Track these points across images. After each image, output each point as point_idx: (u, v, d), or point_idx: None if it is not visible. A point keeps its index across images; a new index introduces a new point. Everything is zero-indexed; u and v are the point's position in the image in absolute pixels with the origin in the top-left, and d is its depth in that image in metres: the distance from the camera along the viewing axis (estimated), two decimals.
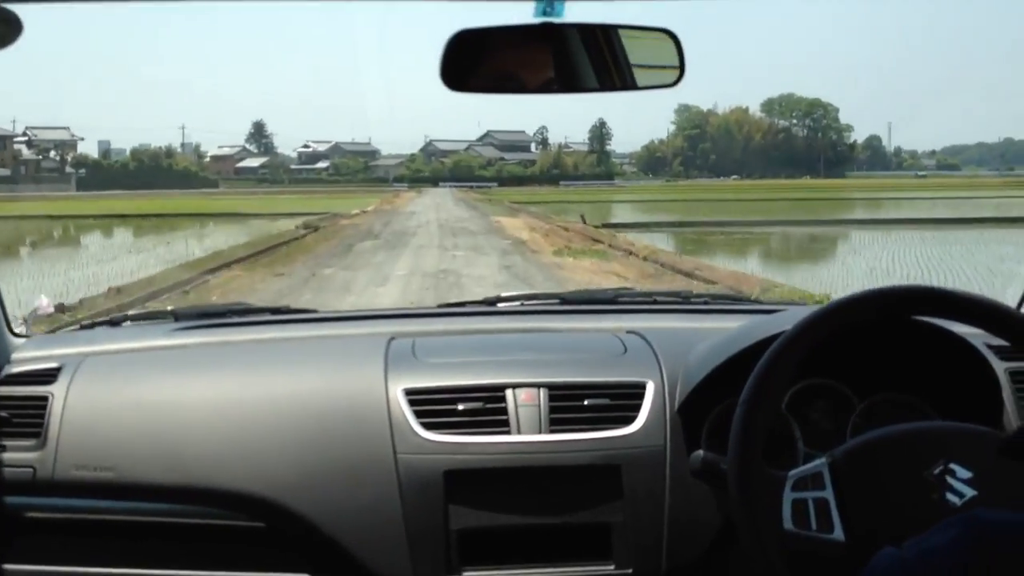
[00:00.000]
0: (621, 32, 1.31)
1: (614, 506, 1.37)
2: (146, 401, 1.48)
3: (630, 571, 1.36)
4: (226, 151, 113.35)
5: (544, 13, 1.25)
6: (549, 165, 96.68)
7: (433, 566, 1.34)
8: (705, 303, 2.04)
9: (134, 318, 1.93)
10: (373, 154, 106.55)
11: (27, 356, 1.61)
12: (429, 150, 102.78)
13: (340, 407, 1.44)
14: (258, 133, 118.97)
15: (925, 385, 1.47)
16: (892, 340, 1.44)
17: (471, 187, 79.19)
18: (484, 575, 1.35)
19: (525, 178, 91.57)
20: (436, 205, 39.88)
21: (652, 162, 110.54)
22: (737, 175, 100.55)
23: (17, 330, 1.74)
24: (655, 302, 2.05)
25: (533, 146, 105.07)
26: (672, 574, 1.37)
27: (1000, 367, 1.49)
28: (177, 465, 1.41)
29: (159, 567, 1.43)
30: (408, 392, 1.44)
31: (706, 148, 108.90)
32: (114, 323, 1.88)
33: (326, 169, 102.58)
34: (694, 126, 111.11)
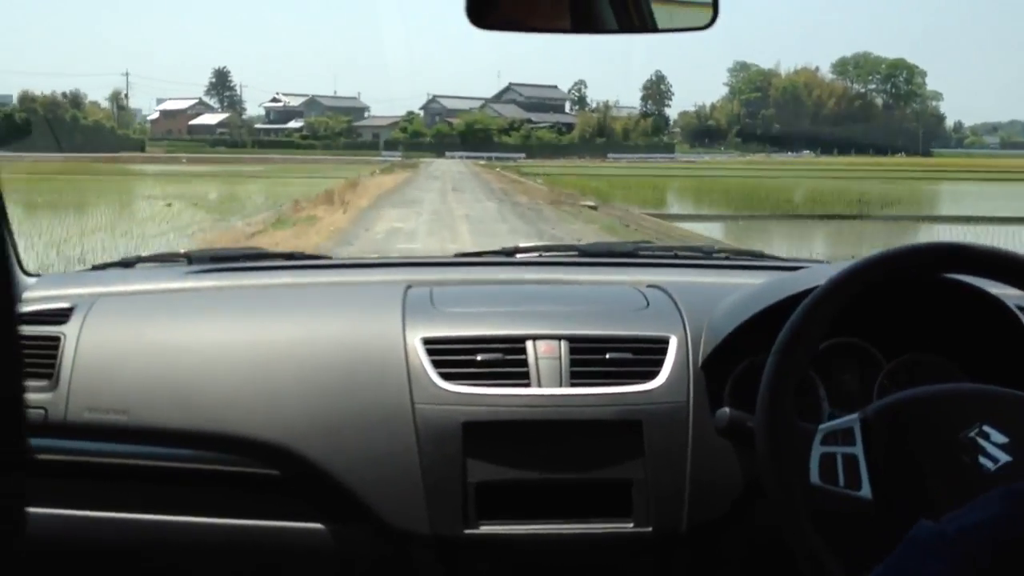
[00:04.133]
0: None
1: (635, 462, 1.34)
2: (160, 343, 1.46)
3: (650, 529, 1.33)
4: (178, 105, 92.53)
5: None
6: (592, 131, 76.27)
7: (450, 518, 1.31)
8: (727, 259, 1.99)
9: (146, 260, 1.91)
10: (360, 111, 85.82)
11: (39, 295, 1.59)
12: (432, 108, 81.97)
13: (357, 354, 1.42)
14: (220, 84, 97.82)
15: (955, 346, 1.43)
16: (922, 299, 1.40)
17: (490, 158, 59.24)
18: (501, 529, 1.32)
19: (561, 147, 71.32)
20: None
21: (701, 131, 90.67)
22: (809, 150, 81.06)
23: (28, 269, 1.72)
24: (675, 256, 2.00)
25: (568, 105, 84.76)
26: (693, 532, 1.34)
27: None
28: (191, 409, 1.39)
29: (170, 513, 1.40)
30: (426, 341, 1.42)
31: (769, 115, 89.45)
32: (126, 264, 1.87)
33: (299, 130, 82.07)
34: (754, 89, 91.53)
